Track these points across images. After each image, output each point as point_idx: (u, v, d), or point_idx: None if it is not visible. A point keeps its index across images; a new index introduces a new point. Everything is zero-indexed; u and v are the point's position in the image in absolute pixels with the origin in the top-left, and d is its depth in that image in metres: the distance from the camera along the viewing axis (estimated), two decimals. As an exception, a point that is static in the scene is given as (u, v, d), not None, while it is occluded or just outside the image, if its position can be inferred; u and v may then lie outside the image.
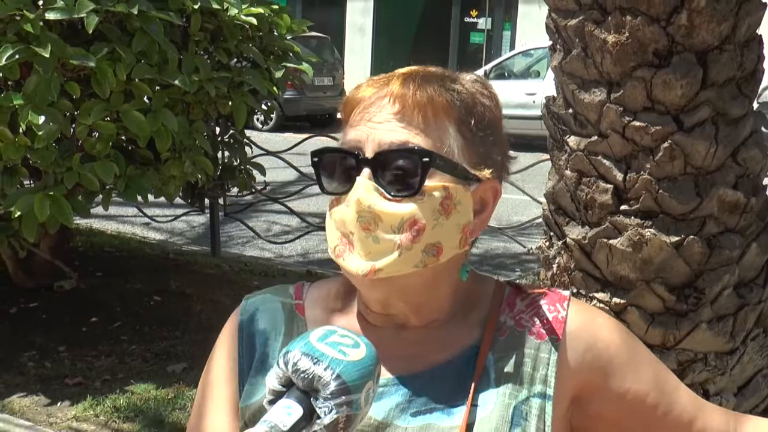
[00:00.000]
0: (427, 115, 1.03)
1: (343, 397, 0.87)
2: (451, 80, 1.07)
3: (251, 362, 1.14)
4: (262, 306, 1.19)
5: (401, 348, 1.08)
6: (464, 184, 1.04)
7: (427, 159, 1.01)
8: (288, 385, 0.90)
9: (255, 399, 1.11)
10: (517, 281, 1.20)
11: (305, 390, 0.88)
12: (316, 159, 1.07)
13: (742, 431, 1.16)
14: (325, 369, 0.88)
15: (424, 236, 1.01)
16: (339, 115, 1.11)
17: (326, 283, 1.21)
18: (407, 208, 1.01)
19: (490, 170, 1.07)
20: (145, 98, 4.22)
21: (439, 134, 1.03)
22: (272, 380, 0.90)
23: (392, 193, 1.01)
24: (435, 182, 1.02)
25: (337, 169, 1.06)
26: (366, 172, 1.02)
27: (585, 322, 1.11)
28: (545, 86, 12.90)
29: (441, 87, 1.05)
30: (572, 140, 2.15)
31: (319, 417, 0.87)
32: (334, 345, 0.90)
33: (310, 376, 0.88)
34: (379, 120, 1.03)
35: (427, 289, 1.08)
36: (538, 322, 1.10)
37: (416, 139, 1.02)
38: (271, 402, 0.90)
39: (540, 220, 2.57)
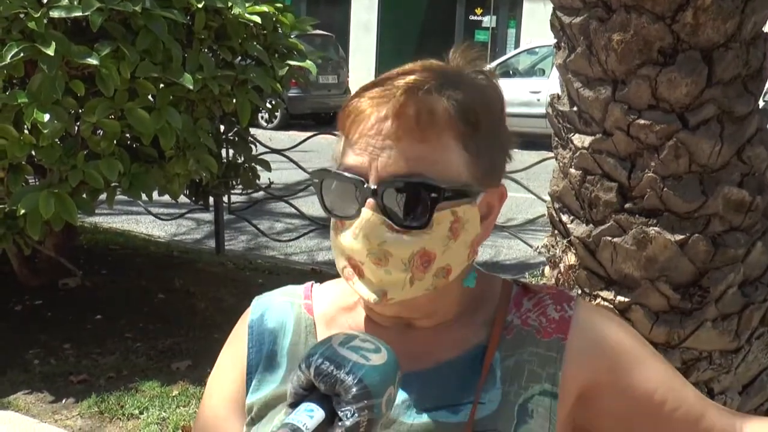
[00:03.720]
0: (430, 137, 0.99)
1: (365, 402, 0.88)
2: (453, 86, 1.03)
3: (260, 359, 1.15)
4: (272, 305, 1.19)
5: (408, 346, 1.07)
6: (471, 202, 1.03)
7: (435, 195, 0.98)
8: (310, 388, 0.90)
9: (261, 395, 1.12)
10: (524, 280, 1.20)
11: (327, 394, 0.89)
12: (317, 180, 1.05)
13: (748, 431, 1.16)
14: (347, 373, 0.88)
15: (435, 263, 1.01)
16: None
17: (335, 284, 1.20)
18: (417, 241, 1.00)
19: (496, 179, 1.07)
20: (149, 96, 4.23)
21: (444, 156, 1.00)
22: (294, 383, 0.91)
23: (400, 224, 0.99)
24: (443, 211, 1.00)
25: (340, 192, 1.03)
26: (371, 202, 0.99)
27: (591, 321, 1.11)
28: (550, 84, 12.87)
29: (441, 97, 1.01)
30: (577, 138, 2.15)
31: (340, 420, 0.88)
32: (356, 349, 0.91)
33: (332, 380, 0.88)
34: (381, 147, 1.00)
35: (436, 301, 1.08)
36: (544, 321, 1.10)
37: (421, 167, 0.99)
38: (293, 405, 0.90)
39: (544, 218, 2.57)
